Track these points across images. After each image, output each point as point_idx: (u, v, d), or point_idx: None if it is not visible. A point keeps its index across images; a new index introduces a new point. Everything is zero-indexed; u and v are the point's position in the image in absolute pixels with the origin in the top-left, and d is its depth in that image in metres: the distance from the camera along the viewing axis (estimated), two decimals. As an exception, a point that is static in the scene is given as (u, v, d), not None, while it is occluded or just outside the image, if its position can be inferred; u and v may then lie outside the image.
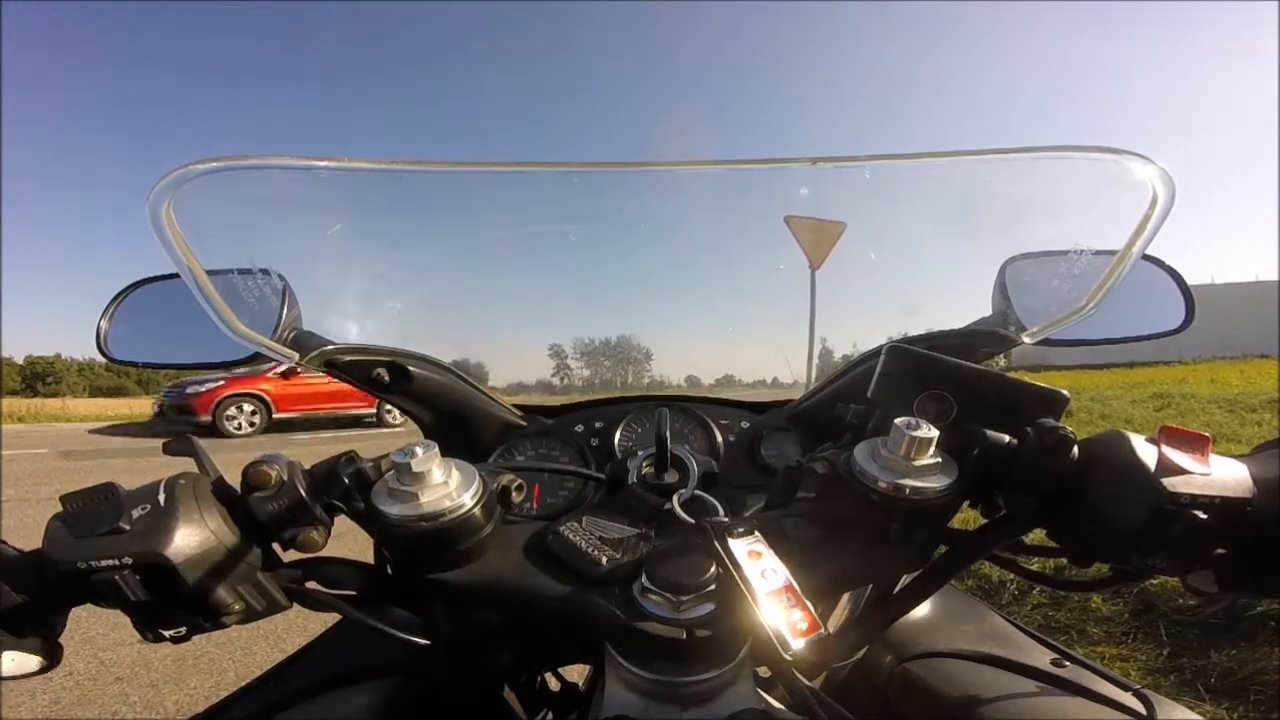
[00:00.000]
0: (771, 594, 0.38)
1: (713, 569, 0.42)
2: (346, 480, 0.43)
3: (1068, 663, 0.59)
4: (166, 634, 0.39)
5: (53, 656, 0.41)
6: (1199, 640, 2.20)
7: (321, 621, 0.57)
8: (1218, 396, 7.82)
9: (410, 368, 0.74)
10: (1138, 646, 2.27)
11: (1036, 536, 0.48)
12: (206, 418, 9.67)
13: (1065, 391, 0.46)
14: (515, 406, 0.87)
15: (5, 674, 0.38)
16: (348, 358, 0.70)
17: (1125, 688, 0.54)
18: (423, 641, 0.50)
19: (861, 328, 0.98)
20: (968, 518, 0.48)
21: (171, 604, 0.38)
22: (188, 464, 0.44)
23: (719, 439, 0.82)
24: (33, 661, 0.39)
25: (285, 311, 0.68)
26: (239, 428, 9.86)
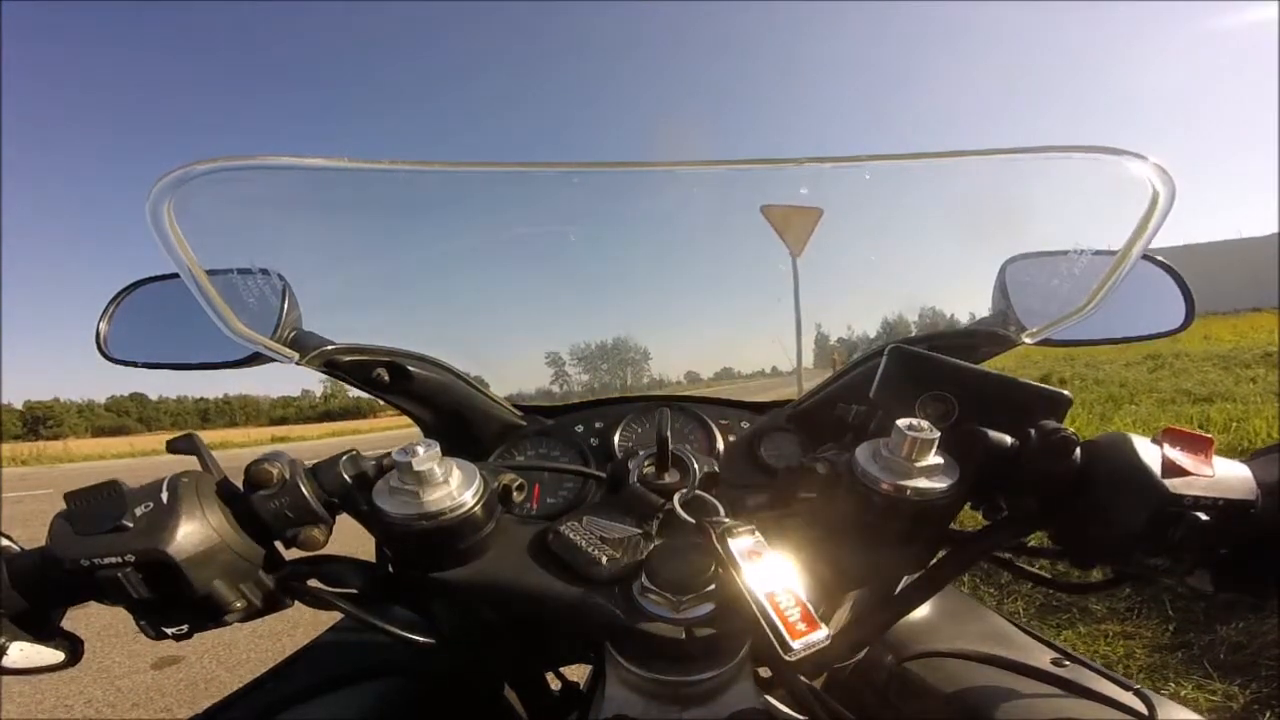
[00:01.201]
0: (771, 594, 0.38)
1: (713, 569, 0.42)
2: (348, 479, 0.43)
3: (1068, 662, 0.59)
4: (169, 631, 0.40)
5: (73, 652, 0.41)
6: (1205, 614, 2.13)
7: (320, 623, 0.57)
8: (1211, 353, 7.73)
9: (410, 368, 0.74)
10: (1142, 623, 2.21)
11: (1038, 538, 0.48)
12: None
13: (1067, 393, 0.46)
14: (515, 406, 0.87)
15: (16, 667, 0.38)
16: (348, 358, 0.70)
17: (1126, 687, 0.54)
18: (424, 640, 0.50)
19: (863, 328, 0.98)
20: (968, 519, 0.48)
21: (174, 601, 0.38)
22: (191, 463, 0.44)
23: (719, 439, 0.82)
24: (47, 655, 0.39)
25: (285, 312, 0.68)
26: None
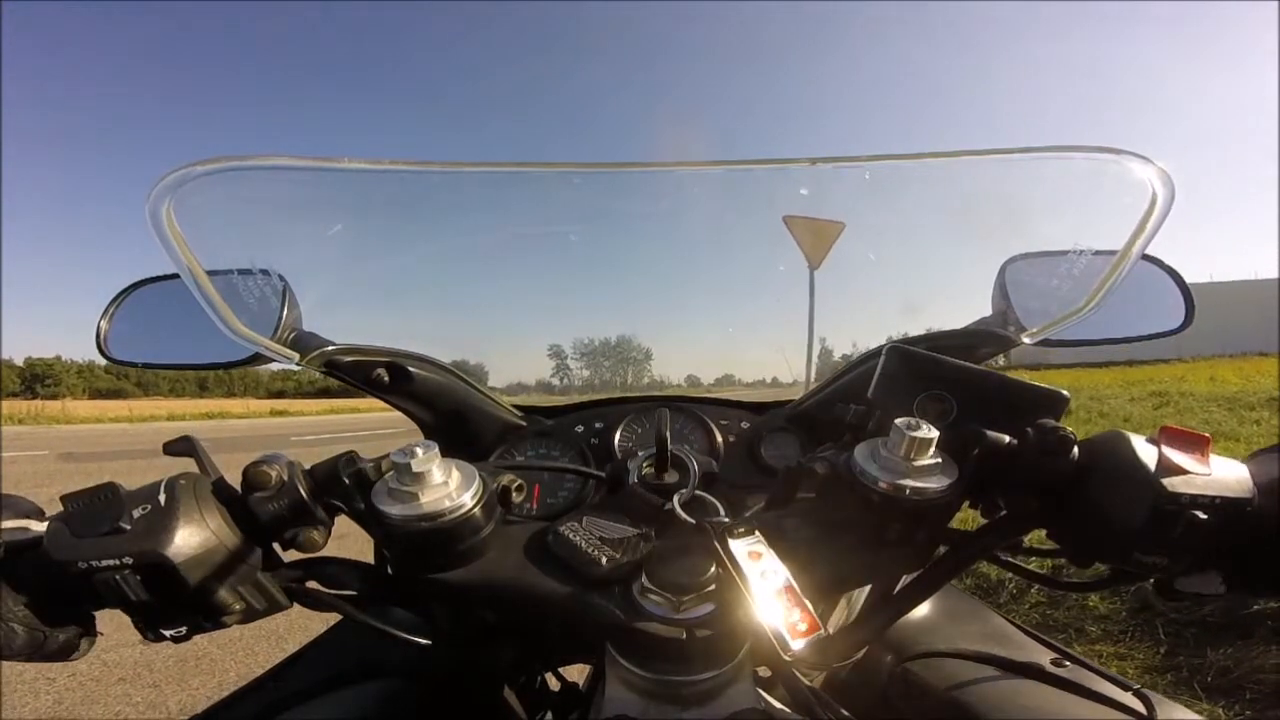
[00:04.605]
0: (771, 594, 0.38)
1: (713, 569, 0.42)
2: (347, 480, 0.43)
3: (1068, 662, 0.59)
4: (167, 633, 0.40)
5: (80, 646, 0.42)
6: (1196, 638, 2.20)
7: (323, 622, 0.57)
8: (1216, 395, 7.83)
9: (410, 368, 0.74)
10: (1135, 645, 2.27)
11: (1036, 537, 0.48)
12: None
13: (1065, 392, 0.46)
14: (515, 407, 0.87)
15: (17, 658, 0.39)
16: (348, 358, 0.70)
17: (1125, 687, 0.54)
18: (423, 641, 0.50)
19: (861, 328, 0.98)
20: (967, 518, 0.48)
21: (172, 604, 0.38)
22: (188, 464, 0.44)
23: (719, 439, 0.82)
24: (49, 648, 0.40)
25: (285, 312, 0.68)
26: None
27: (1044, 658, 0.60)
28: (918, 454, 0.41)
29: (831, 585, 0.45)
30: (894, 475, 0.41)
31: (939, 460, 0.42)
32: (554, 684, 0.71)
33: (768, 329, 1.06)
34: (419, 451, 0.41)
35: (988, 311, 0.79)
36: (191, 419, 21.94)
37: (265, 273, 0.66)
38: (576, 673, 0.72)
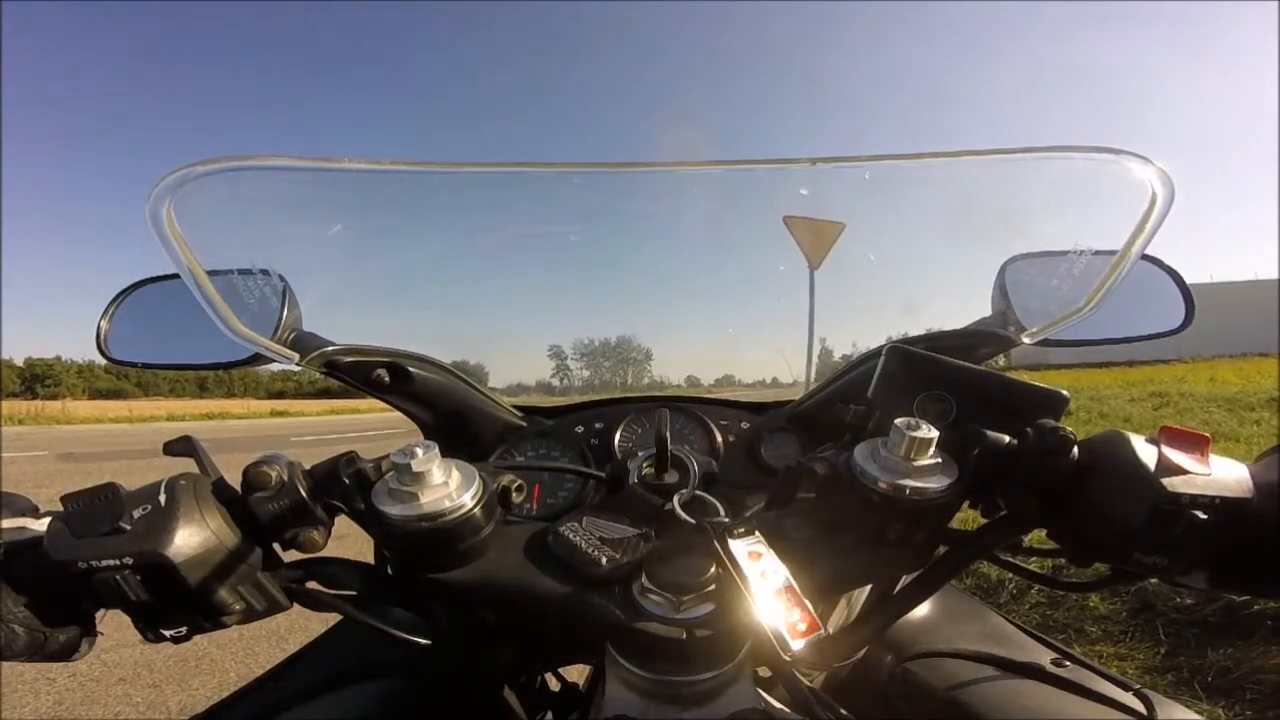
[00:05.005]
0: (771, 594, 0.38)
1: (713, 569, 0.42)
2: (347, 480, 0.43)
3: (1068, 662, 0.59)
4: (167, 634, 0.40)
5: (77, 648, 0.41)
6: (1196, 639, 2.21)
7: (322, 621, 0.57)
8: (1216, 395, 7.85)
9: (410, 368, 0.74)
10: (1135, 645, 2.28)
11: (1036, 536, 0.48)
12: None
13: (1065, 391, 0.46)
14: (515, 407, 0.87)
15: (18, 659, 0.39)
16: (348, 359, 0.70)
17: (1126, 687, 0.54)
18: (423, 641, 0.50)
19: (861, 328, 0.98)
20: (967, 518, 0.48)
21: (172, 604, 0.38)
22: (188, 464, 0.44)
23: (719, 439, 0.82)
24: (49, 649, 0.40)
25: (285, 312, 0.68)
26: None
27: (1044, 658, 0.60)
28: (918, 454, 0.41)
29: (831, 585, 0.45)
30: (894, 475, 0.41)
31: (939, 460, 0.42)
32: (554, 684, 0.71)
33: (768, 329, 1.06)
34: (419, 452, 0.41)
35: (988, 311, 0.79)
36: (191, 419, 21.94)
37: (265, 273, 0.66)
38: (576, 673, 0.72)
